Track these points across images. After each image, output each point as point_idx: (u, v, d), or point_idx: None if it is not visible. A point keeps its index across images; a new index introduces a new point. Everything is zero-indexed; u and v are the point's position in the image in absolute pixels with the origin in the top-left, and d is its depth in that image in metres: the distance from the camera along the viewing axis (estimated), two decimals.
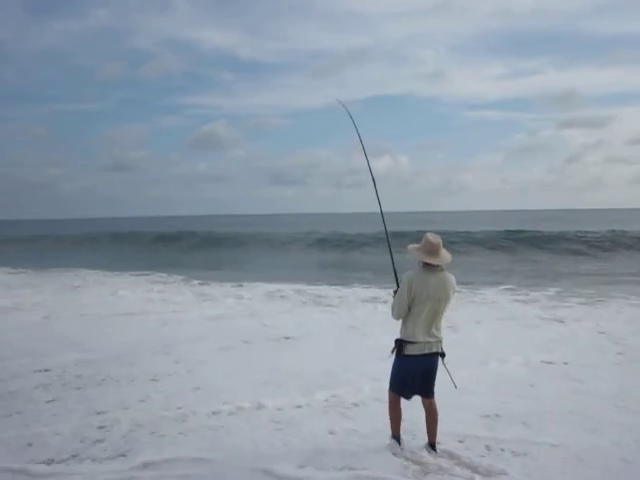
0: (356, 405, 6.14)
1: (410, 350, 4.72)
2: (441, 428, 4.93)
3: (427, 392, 4.86)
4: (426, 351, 4.71)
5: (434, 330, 4.73)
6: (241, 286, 16.93)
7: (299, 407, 6.07)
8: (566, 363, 7.81)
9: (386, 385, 4.99)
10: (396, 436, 4.97)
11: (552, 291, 15.12)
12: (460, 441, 5.11)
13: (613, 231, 31.24)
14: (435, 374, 4.83)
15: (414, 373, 4.77)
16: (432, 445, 4.91)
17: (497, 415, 5.81)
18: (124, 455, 4.89)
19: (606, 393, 6.47)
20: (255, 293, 15.44)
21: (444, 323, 4.88)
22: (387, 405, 5.00)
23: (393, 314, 4.82)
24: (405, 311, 4.71)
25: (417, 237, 4.82)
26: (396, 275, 5.02)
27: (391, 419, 4.98)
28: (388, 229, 5.49)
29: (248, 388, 6.66)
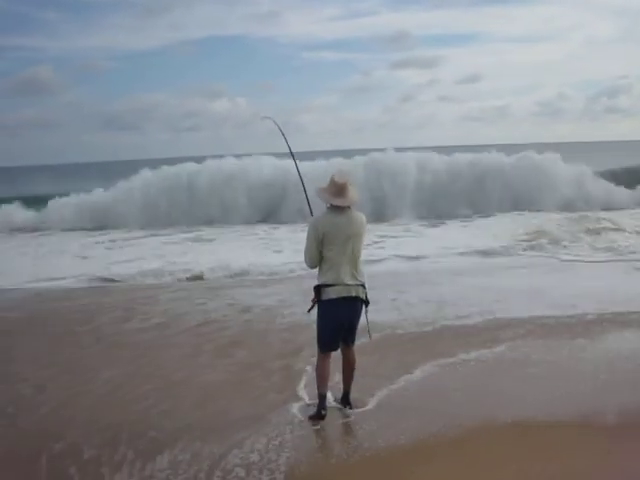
0: None
1: (328, 294, 4.41)
2: None
3: (347, 339, 4.62)
4: (344, 294, 4.41)
5: (354, 272, 4.46)
6: None
7: None
8: None
9: None
10: (323, 394, 4.60)
11: None
12: None
13: None
14: (357, 321, 4.57)
15: (337, 320, 4.47)
16: (347, 394, 4.72)
17: None
18: None
19: None
20: None
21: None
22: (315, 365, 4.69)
23: (306, 262, 4.54)
24: (317, 257, 4.44)
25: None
26: (310, 208, 4.81)
27: (319, 377, 4.61)
28: None
29: None
